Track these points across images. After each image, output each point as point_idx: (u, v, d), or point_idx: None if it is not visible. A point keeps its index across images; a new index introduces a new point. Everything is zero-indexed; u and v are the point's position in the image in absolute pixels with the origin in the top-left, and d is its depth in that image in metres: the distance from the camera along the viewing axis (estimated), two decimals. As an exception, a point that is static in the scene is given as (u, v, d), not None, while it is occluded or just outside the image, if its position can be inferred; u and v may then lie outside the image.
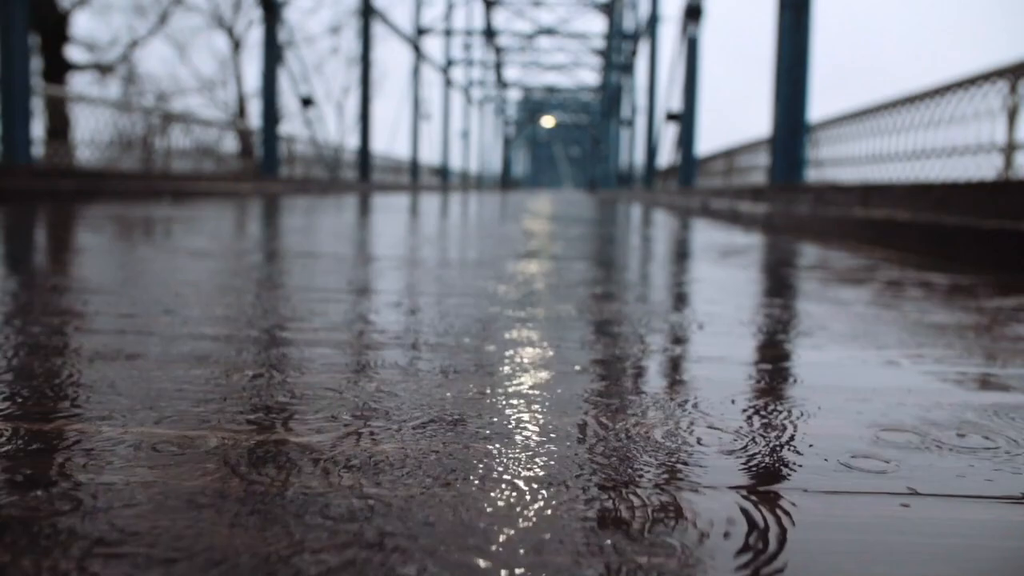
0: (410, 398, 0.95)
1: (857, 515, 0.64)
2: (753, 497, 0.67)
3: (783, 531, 0.61)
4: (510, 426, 0.85)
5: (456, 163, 33.45)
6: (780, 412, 0.94)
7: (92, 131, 8.48)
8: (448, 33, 28.24)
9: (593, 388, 1.03)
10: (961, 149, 4.12)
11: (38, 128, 7.96)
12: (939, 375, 1.15)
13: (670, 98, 12.66)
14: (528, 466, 0.73)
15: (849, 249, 3.69)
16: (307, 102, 14.17)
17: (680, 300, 1.97)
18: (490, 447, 0.78)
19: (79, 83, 18.92)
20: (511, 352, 1.24)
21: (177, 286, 1.90)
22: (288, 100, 14.02)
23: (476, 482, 0.69)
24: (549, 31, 31.87)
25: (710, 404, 0.96)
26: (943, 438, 0.85)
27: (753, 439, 0.83)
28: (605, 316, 1.63)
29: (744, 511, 0.64)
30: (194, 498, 0.63)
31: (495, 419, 0.88)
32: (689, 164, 11.55)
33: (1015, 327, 1.62)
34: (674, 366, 1.21)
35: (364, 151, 17.26)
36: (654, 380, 1.11)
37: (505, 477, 0.70)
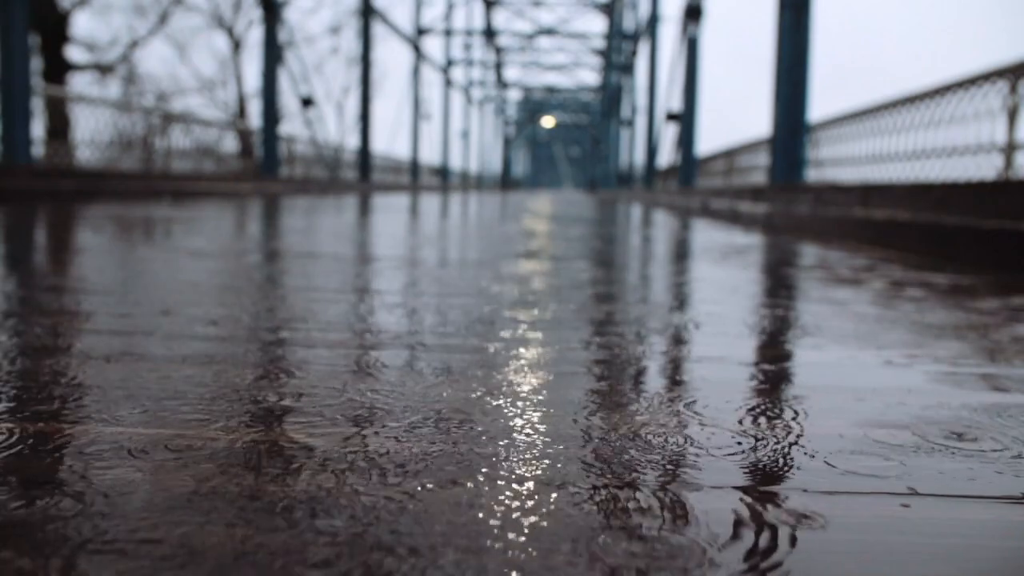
0: (411, 398, 0.95)
1: (857, 515, 0.64)
2: (753, 497, 0.67)
3: (783, 531, 0.61)
4: (511, 426, 0.85)
5: (456, 163, 33.48)
6: (780, 412, 0.94)
7: (92, 131, 8.48)
8: (448, 33, 28.25)
9: (594, 388, 1.03)
10: (961, 149, 4.12)
11: (38, 128, 7.98)
12: (939, 375, 1.15)
13: (670, 98, 12.66)
14: (530, 466, 0.73)
15: (849, 249, 3.69)
16: (307, 102, 14.17)
17: (680, 300, 1.97)
18: (491, 447, 0.78)
19: (79, 83, 18.93)
20: (512, 352, 1.24)
21: (177, 286, 1.90)
22: (288, 100, 14.04)
23: (479, 482, 0.69)
24: (549, 31, 31.87)
25: (710, 404, 0.96)
26: (943, 438, 0.85)
27: (753, 439, 0.83)
28: (605, 316, 1.63)
29: (744, 511, 0.64)
30: (194, 498, 0.63)
31: (496, 419, 0.88)
32: (689, 164, 11.55)
33: (1015, 327, 1.62)
34: (674, 366, 1.20)
35: (364, 151, 17.26)
36: (654, 380, 1.11)
37: (507, 477, 0.70)
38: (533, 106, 54.74)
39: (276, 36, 12.58)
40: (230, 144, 12.17)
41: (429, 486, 0.67)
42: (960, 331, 1.55)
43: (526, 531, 0.59)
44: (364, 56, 17.25)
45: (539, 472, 0.72)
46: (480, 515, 0.62)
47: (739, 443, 0.81)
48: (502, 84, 44.45)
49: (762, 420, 0.90)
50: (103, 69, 19.66)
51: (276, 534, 0.57)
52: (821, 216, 4.78)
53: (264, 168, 12.51)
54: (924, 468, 0.76)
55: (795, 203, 5.39)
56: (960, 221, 3.15)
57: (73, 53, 18.25)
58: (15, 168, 6.68)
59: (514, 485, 0.68)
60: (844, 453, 0.79)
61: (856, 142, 5.60)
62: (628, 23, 23.81)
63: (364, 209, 7.77)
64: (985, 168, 3.88)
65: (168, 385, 0.98)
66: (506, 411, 0.91)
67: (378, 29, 20.63)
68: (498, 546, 0.57)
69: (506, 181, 48.13)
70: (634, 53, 21.89)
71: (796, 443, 0.82)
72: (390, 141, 47.75)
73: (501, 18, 38.69)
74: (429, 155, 28.42)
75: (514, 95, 52.75)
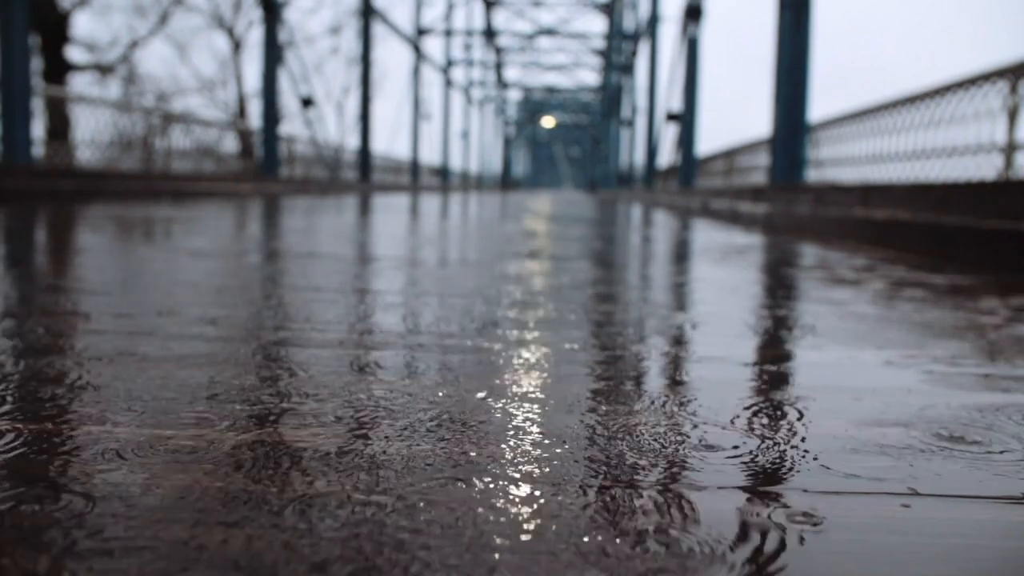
0: (411, 398, 0.95)
1: (857, 515, 0.64)
2: (753, 497, 0.67)
3: (783, 532, 0.61)
4: (512, 426, 0.85)
5: (456, 163, 33.48)
6: (780, 412, 0.94)
7: (92, 131, 8.48)
8: (448, 33, 28.25)
9: (594, 388, 1.03)
10: (961, 149, 4.12)
11: (38, 128, 7.97)
12: (939, 375, 1.15)
13: (670, 98, 12.66)
14: (531, 466, 0.73)
15: (849, 249, 3.69)
16: (307, 102, 14.17)
17: (680, 300, 1.97)
18: (492, 446, 0.78)
19: (79, 83, 18.93)
20: (513, 352, 1.24)
21: (177, 286, 1.90)
22: (288, 100, 14.03)
23: (480, 481, 0.69)
24: (549, 31, 31.87)
25: (710, 404, 0.96)
26: (943, 438, 0.85)
27: (753, 439, 0.83)
28: (606, 316, 1.63)
29: (744, 512, 0.64)
30: (195, 498, 0.63)
31: (497, 419, 0.88)
32: (689, 164, 11.55)
33: (1015, 328, 1.62)
34: (675, 366, 1.20)
35: (364, 151, 17.26)
36: (655, 380, 1.11)
37: (508, 477, 0.70)
38: (533, 106, 54.75)
39: (276, 36, 12.58)
40: (230, 144, 12.18)
41: (431, 486, 0.67)
42: (960, 331, 1.55)
43: (528, 530, 0.59)
44: (364, 56, 17.25)
45: (540, 472, 0.72)
46: (481, 514, 0.62)
47: (739, 443, 0.81)
48: (502, 84, 44.46)
49: (762, 420, 0.90)
50: (103, 69, 19.67)
51: (277, 533, 0.57)
52: (821, 216, 4.78)
53: (264, 168, 12.51)
54: (924, 468, 0.76)
55: (795, 203, 5.39)
56: (960, 221, 3.15)
57: (73, 53, 18.27)
58: (15, 168, 6.68)
59: (515, 485, 0.68)
60: (844, 453, 0.79)
61: (856, 142, 5.60)
62: (628, 23, 23.81)
63: (364, 209, 7.77)
64: (985, 168, 3.88)
65: (168, 385, 0.98)
66: (507, 411, 0.91)
67: (378, 29, 20.63)
68: (500, 543, 0.57)
69: (506, 181, 48.12)
70: (634, 53, 21.89)
71: (796, 443, 0.82)
72: (390, 141, 47.78)
73: (501, 18, 38.74)
74: (429, 155, 28.45)
75: (514, 95, 52.79)
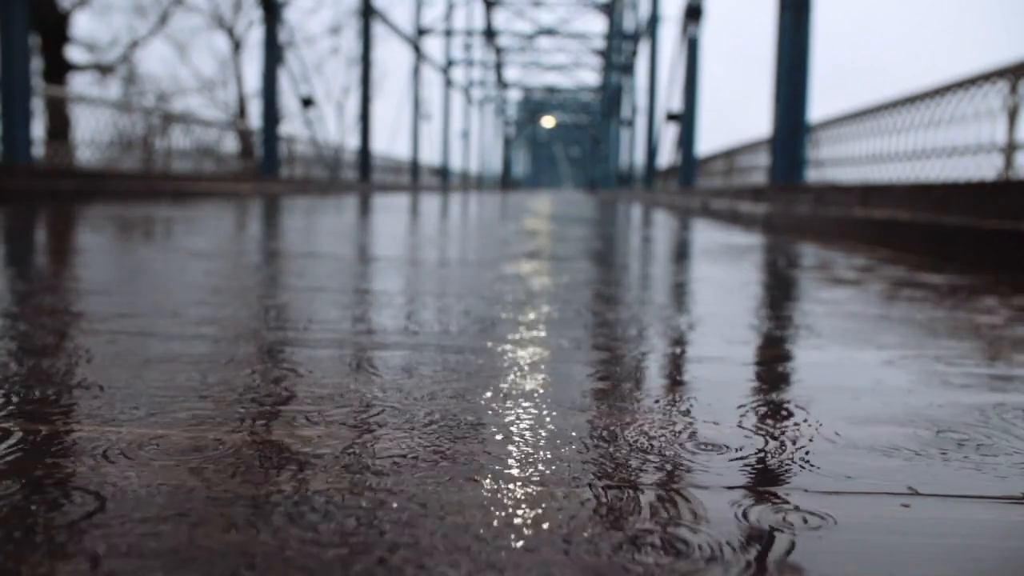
0: (412, 398, 0.95)
1: (858, 515, 0.64)
2: (754, 497, 0.67)
3: (783, 532, 0.61)
4: (513, 425, 0.85)
5: (456, 163, 33.48)
6: (780, 412, 0.94)
7: (92, 131, 8.48)
8: (448, 33, 28.25)
9: (594, 388, 1.03)
10: (961, 149, 4.12)
11: (38, 128, 7.97)
12: (939, 375, 1.15)
13: (670, 98, 12.66)
14: (532, 465, 0.73)
15: (849, 249, 3.69)
16: (307, 102, 14.17)
17: (680, 300, 1.97)
18: (492, 446, 0.78)
19: (79, 83, 18.93)
20: (513, 352, 1.24)
21: (177, 286, 1.90)
22: (288, 100, 14.03)
23: (482, 480, 0.69)
24: (549, 31, 31.87)
25: (711, 404, 0.96)
26: (943, 438, 0.85)
27: (754, 439, 0.83)
28: (606, 316, 1.63)
29: (745, 511, 0.64)
30: (196, 498, 0.63)
31: (498, 418, 0.88)
32: (689, 164, 11.55)
33: (1015, 328, 1.62)
34: (675, 366, 1.21)
35: (364, 151, 17.26)
36: (655, 380, 1.11)
37: (509, 476, 0.70)
38: (533, 106, 54.74)
39: (276, 36, 12.58)
40: (230, 144, 12.17)
41: (432, 485, 0.67)
42: (960, 331, 1.55)
43: (529, 528, 0.59)
44: (364, 56, 17.25)
45: (541, 471, 0.72)
46: (482, 512, 0.62)
47: (739, 443, 0.82)
48: (502, 84, 44.45)
49: (762, 420, 0.90)
50: (103, 69, 19.66)
51: (278, 533, 0.58)
52: (821, 216, 4.78)
53: (264, 168, 12.51)
54: (924, 468, 0.76)
55: (795, 203, 5.39)
56: (960, 221, 3.15)
57: (73, 53, 18.26)
58: (15, 168, 6.68)
59: (516, 484, 0.68)
60: (844, 453, 0.79)
61: (856, 142, 5.60)
62: (628, 23, 23.81)
63: (364, 209, 7.77)
64: (985, 168, 3.88)
65: (168, 385, 0.98)
66: (507, 410, 0.91)
67: (378, 29, 20.64)
68: (504, 541, 0.57)
69: (506, 181, 48.12)
70: (634, 53, 21.89)
71: (796, 443, 0.82)
72: (390, 141, 47.72)
73: (501, 18, 38.73)
74: (429, 155, 28.46)
75: (514, 95, 52.79)
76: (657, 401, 0.97)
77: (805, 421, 0.90)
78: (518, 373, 1.10)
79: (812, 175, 6.31)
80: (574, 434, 0.83)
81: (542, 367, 1.15)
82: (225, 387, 0.98)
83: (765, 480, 0.72)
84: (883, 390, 1.06)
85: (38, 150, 7.65)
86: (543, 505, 0.64)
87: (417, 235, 4.27)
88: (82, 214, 5.07)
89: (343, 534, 0.58)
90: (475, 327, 1.45)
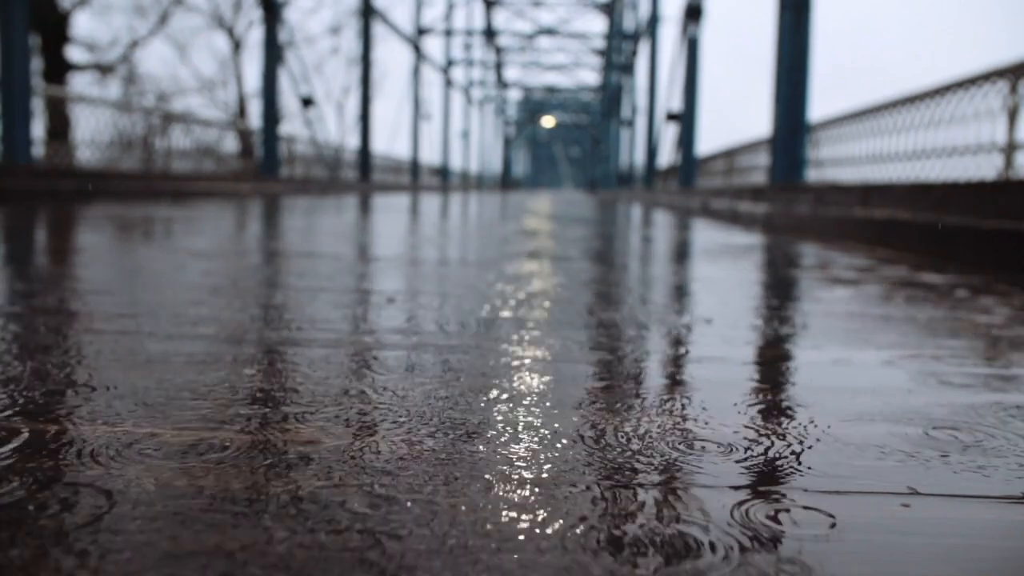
0: (413, 397, 0.95)
1: (858, 515, 0.64)
2: (754, 497, 0.67)
3: (784, 531, 0.61)
4: (514, 425, 0.85)
5: (456, 163, 33.47)
6: (780, 412, 0.94)
7: (92, 131, 8.48)
8: (448, 33, 28.24)
9: (594, 388, 1.03)
10: (961, 149, 4.12)
11: (38, 128, 7.96)
12: (939, 375, 1.15)
13: (670, 98, 12.66)
14: (533, 465, 0.73)
15: (849, 249, 3.69)
16: (307, 102, 14.16)
17: (680, 300, 1.97)
18: (493, 446, 0.78)
19: (79, 83, 18.93)
20: (514, 352, 1.24)
21: (178, 286, 1.90)
22: (288, 100, 14.03)
23: (483, 480, 0.69)
24: (549, 31, 31.87)
25: (711, 404, 0.96)
26: (943, 438, 0.85)
27: (754, 439, 0.83)
28: (606, 316, 1.63)
29: (746, 511, 0.64)
30: (197, 498, 0.63)
31: (499, 418, 0.88)
32: (689, 164, 11.55)
33: (1015, 328, 1.62)
34: (675, 366, 1.21)
35: (364, 151, 17.26)
36: (655, 380, 1.11)
37: (510, 475, 0.70)
38: (533, 106, 54.73)
39: (276, 36, 12.57)
40: (230, 144, 12.17)
41: (433, 484, 0.67)
42: (960, 331, 1.55)
43: (531, 527, 0.59)
44: (364, 56, 17.25)
45: (541, 471, 0.72)
46: (484, 511, 0.62)
47: (739, 443, 0.82)
48: (502, 84, 44.45)
49: (762, 420, 0.90)
50: (103, 69, 19.66)
51: (278, 532, 0.58)
52: (821, 216, 4.78)
53: (264, 168, 12.51)
54: (924, 468, 0.76)
55: (795, 203, 5.39)
56: (960, 221, 3.15)
57: (73, 53, 18.26)
58: (15, 168, 6.68)
59: (517, 483, 0.68)
60: (844, 453, 0.79)
61: (856, 142, 5.60)
62: (628, 23, 23.80)
63: (364, 209, 7.77)
64: (985, 168, 3.88)
65: (169, 385, 0.98)
66: (508, 410, 0.91)
67: (378, 29, 20.65)
68: (504, 540, 0.57)
69: (506, 181, 48.11)
70: (634, 53, 21.88)
71: (796, 443, 0.82)
72: (390, 141, 47.74)
73: (501, 18, 38.75)
74: (429, 155, 28.46)
75: (514, 95, 52.79)
76: (657, 401, 0.97)
77: (805, 421, 0.90)
78: (519, 373, 1.10)
79: (812, 175, 6.31)
80: (575, 433, 0.83)
81: (543, 367, 1.15)
82: (226, 387, 0.98)
83: (766, 480, 0.72)
84: (883, 390, 1.06)
85: (38, 150, 7.65)
86: (543, 505, 0.64)
87: (417, 235, 4.27)
88: (82, 214, 5.07)
89: (344, 534, 0.58)
90: (476, 327, 1.45)
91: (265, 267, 2.47)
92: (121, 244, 3.22)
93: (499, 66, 40.59)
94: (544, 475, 0.71)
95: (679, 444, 0.81)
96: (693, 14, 11.05)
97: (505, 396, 0.97)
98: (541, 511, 0.63)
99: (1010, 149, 3.74)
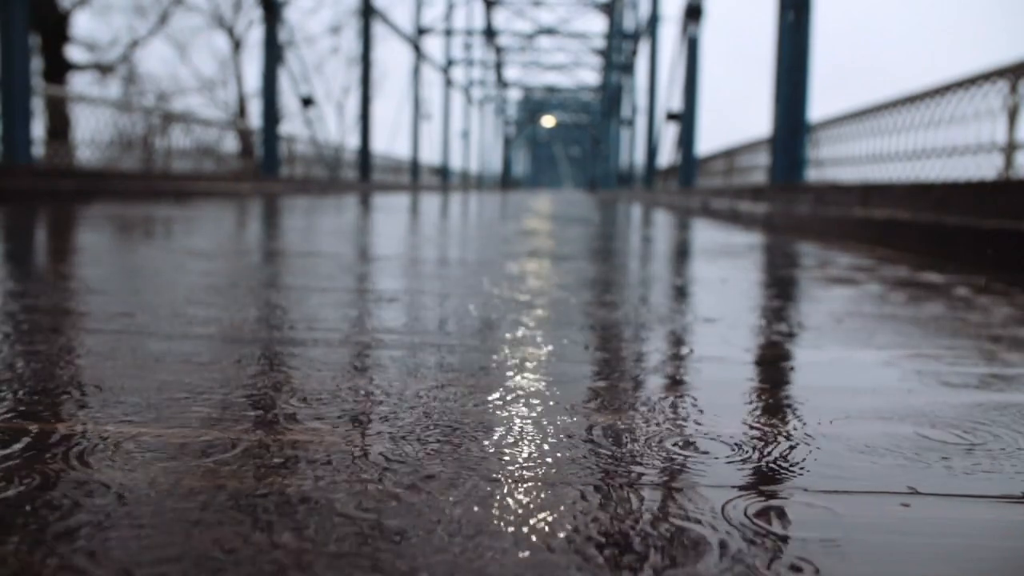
0: (413, 397, 0.95)
1: (857, 514, 0.64)
2: (754, 496, 0.67)
3: (784, 531, 0.61)
4: (514, 424, 0.85)
5: (456, 163, 33.46)
6: (780, 412, 0.94)
7: (92, 131, 8.48)
8: (448, 33, 28.24)
9: (594, 388, 1.03)
10: (961, 149, 4.12)
11: (38, 128, 7.96)
12: (939, 375, 1.15)
13: (670, 98, 12.66)
14: (534, 465, 0.73)
15: (849, 249, 3.69)
16: (307, 102, 14.16)
17: (679, 300, 1.97)
18: (493, 445, 0.78)
19: (79, 83, 18.93)
20: (514, 352, 1.24)
21: (178, 286, 1.90)
22: (288, 100, 14.03)
23: (484, 479, 0.69)
24: (549, 31, 31.86)
25: (711, 404, 0.96)
26: (943, 438, 0.85)
27: (753, 439, 0.83)
28: (605, 316, 1.63)
29: (746, 510, 0.64)
30: (198, 497, 0.64)
31: (500, 418, 0.88)
32: (689, 164, 11.55)
33: (1015, 328, 1.62)
34: (674, 366, 1.21)
35: (364, 151, 17.26)
36: (654, 380, 1.11)
37: (510, 475, 0.70)
38: (533, 106, 54.72)
39: (276, 36, 12.57)
40: (230, 144, 12.17)
41: (434, 484, 0.67)
42: (960, 331, 1.55)
43: (531, 526, 0.59)
44: (364, 56, 17.24)
45: (542, 470, 0.72)
46: (485, 510, 0.62)
47: (739, 443, 0.82)
48: (502, 84, 44.45)
49: (762, 420, 0.90)
50: (103, 69, 19.66)
51: (279, 532, 0.58)
52: (821, 216, 4.78)
53: (264, 168, 12.51)
54: (924, 467, 0.76)
55: (795, 203, 5.39)
56: (960, 221, 3.15)
57: (73, 53, 18.26)
58: (15, 168, 6.68)
59: (517, 483, 0.68)
60: (843, 453, 0.80)
61: (856, 142, 5.60)
62: (628, 23, 23.80)
63: (365, 209, 7.77)
64: (985, 168, 3.88)
65: (170, 385, 0.98)
66: (509, 410, 0.91)
67: (378, 29, 20.65)
68: (508, 534, 0.57)
69: (506, 181, 48.11)
70: (634, 53, 21.88)
71: (796, 443, 0.82)
72: (390, 141, 47.76)
73: (501, 18, 38.74)
74: (429, 155, 28.44)
75: (514, 95, 52.79)
76: (657, 401, 0.97)
77: (804, 420, 0.90)
78: (520, 372, 1.10)
79: (812, 175, 6.31)
80: (575, 433, 0.83)
81: (543, 367, 1.15)
82: (226, 387, 0.98)
83: (766, 479, 0.72)
84: (882, 389, 1.06)
85: (38, 150, 7.65)
86: (543, 504, 0.64)
87: (417, 234, 4.27)
88: (82, 214, 5.07)
89: (345, 534, 0.58)
90: (476, 326, 1.45)
91: (265, 267, 2.47)
92: (121, 244, 3.22)
93: (499, 66, 40.58)
94: (545, 474, 0.71)
95: (679, 444, 0.81)
96: (693, 14, 11.05)
97: (506, 396, 0.97)
98: (541, 511, 0.63)
99: (1010, 149, 3.74)
